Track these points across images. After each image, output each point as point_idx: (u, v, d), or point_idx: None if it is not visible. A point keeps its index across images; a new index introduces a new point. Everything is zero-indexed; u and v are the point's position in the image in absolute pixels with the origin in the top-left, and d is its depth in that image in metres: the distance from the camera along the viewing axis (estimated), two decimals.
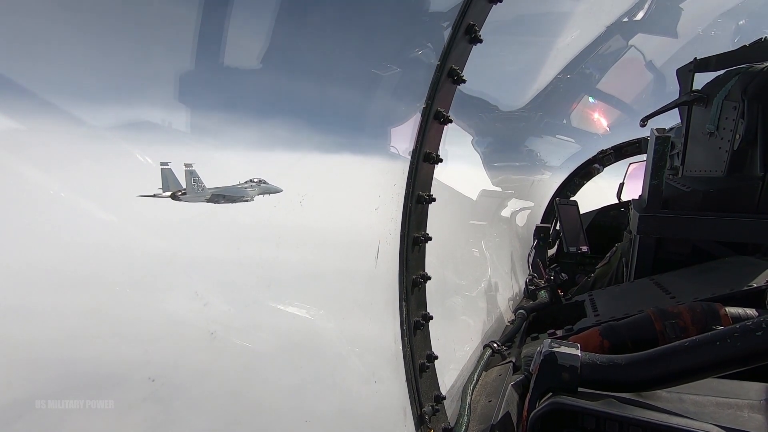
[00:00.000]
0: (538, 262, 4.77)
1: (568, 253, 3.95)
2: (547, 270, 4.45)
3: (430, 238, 2.20)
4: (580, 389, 1.17)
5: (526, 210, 6.21)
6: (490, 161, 5.65)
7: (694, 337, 1.14)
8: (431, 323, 2.19)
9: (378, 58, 3.12)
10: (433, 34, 2.34)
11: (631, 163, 5.45)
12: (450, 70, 2.06)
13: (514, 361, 2.53)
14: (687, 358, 1.11)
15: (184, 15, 2.88)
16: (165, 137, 3.25)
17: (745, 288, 2.06)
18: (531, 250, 4.88)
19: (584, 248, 3.82)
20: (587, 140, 6.62)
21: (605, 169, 5.82)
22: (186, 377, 2.82)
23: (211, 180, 3.52)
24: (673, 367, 1.12)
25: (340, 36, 3.36)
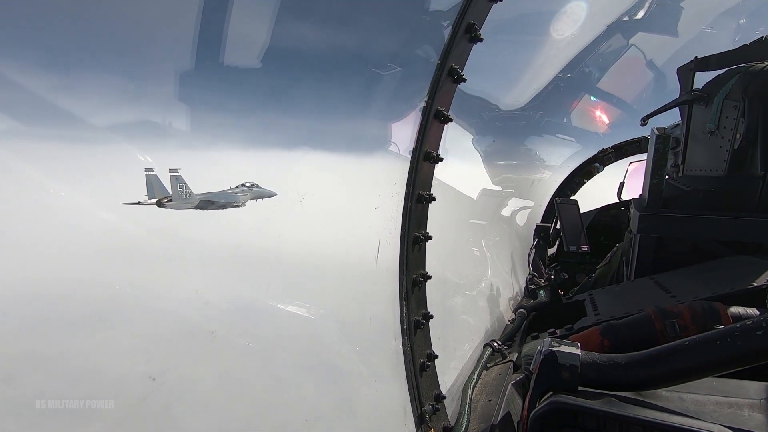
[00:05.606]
0: (539, 261, 4.77)
1: (569, 252, 3.95)
2: (547, 269, 4.45)
3: (431, 238, 2.20)
4: (580, 388, 1.17)
5: (526, 209, 6.21)
6: (490, 160, 5.64)
7: (694, 337, 1.14)
8: (431, 322, 2.19)
9: (378, 57, 3.11)
10: (434, 33, 2.33)
11: (631, 162, 5.44)
12: (450, 69, 2.06)
13: (514, 360, 2.53)
14: (687, 357, 1.11)
15: (183, 13, 2.88)
16: (162, 136, 3.22)
17: (746, 287, 2.07)
18: (531, 250, 4.88)
19: (585, 247, 3.82)
20: (587, 139, 6.61)
21: (605, 168, 5.83)
22: (187, 376, 2.83)
23: (208, 179, 3.49)
24: (674, 366, 1.12)
25: (340, 34, 3.35)
